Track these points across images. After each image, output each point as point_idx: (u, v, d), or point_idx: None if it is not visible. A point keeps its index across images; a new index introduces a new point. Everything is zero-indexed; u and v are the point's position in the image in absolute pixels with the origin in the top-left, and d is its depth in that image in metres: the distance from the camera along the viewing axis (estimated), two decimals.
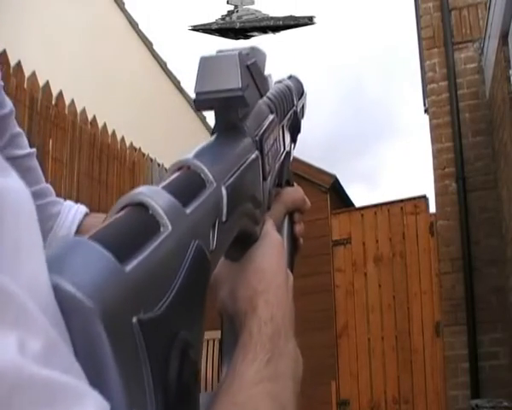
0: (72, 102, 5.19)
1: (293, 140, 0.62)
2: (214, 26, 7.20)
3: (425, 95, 5.91)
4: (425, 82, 5.76)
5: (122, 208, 0.31)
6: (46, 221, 0.69)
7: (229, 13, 7.28)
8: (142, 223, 0.30)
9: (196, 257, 0.32)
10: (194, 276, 0.32)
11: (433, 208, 5.33)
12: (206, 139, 0.47)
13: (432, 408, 5.01)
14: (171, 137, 7.29)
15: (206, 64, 0.45)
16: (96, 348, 0.24)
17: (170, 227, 0.31)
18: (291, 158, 0.61)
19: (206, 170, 0.38)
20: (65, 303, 0.23)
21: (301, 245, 0.59)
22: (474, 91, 5.26)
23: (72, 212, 0.71)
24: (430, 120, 5.42)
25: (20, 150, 0.65)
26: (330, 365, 5.34)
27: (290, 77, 0.66)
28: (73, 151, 5.17)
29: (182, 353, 0.29)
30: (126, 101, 6.47)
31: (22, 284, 0.21)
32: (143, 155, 6.39)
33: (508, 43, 4.23)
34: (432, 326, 5.11)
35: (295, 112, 0.63)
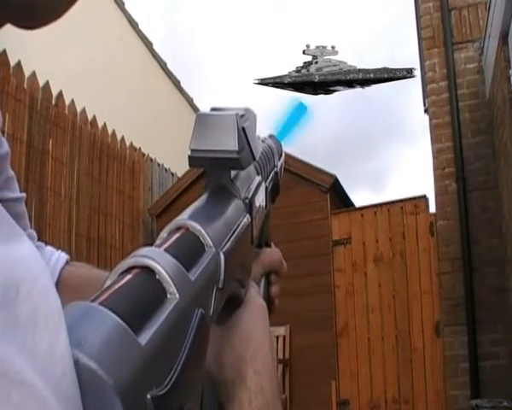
0: (72, 102, 5.19)
1: (273, 201, 0.62)
2: (287, 80, 6.48)
3: (425, 95, 5.91)
4: (425, 82, 5.76)
5: (127, 270, 0.30)
6: None
7: (306, 64, 6.50)
8: (150, 289, 0.29)
9: (199, 326, 0.32)
10: (197, 346, 0.31)
11: (433, 208, 5.33)
12: None
13: (432, 408, 5.01)
14: (171, 137, 7.29)
15: (203, 121, 0.44)
16: None
17: (177, 295, 0.30)
18: (269, 219, 0.61)
19: (205, 233, 0.38)
20: (83, 377, 0.23)
21: (276, 306, 0.59)
22: (474, 91, 5.26)
23: (54, 258, 0.72)
24: (430, 119, 5.42)
25: (13, 194, 0.66)
26: (330, 365, 5.33)
27: (271, 136, 0.67)
28: (73, 151, 5.17)
29: None
30: (126, 101, 6.47)
31: (35, 359, 0.20)
32: (143, 155, 6.39)
33: (508, 43, 4.23)
34: (432, 326, 5.11)
35: (276, 173, 0.63)
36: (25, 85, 4.56)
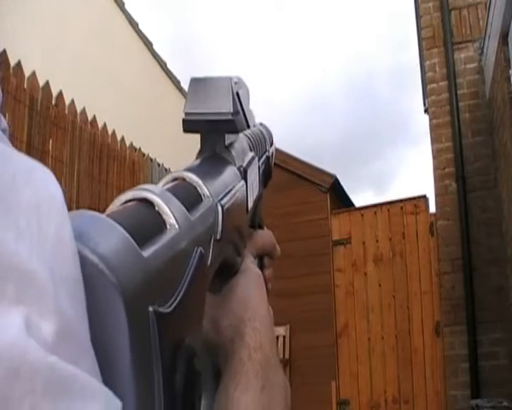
0: (72, 102, 5.19)
1: (264, 185, 0.61)
2: None
3: (425, 95, 5.90)
4: (425, 82, 5.75)
5: (126, 202, 0.30)
6: None
7: None
8: (150, 218, 0.29)
9: (199, 264, 0.31)
10: (197, 283, 0.31)
11: (433, 208, 5.33)
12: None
13: (432, 408, 5.01)
14: (171, 137, 7.29)
15: (197, 85, 0.44)
16: (113, 325, 0.22)
17: (177, 227, 0.30)
18: (261, 202, 0.61)
19: (203, 184, 0.38)
20: (85, 270, 0.22)
21: (270, 290, 0.57)
22: (474, 91, 5.26)
23: None
24: (430, 119, 5.42)
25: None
26: (330, 365, 5.33)
27: (261, 124, 0.66)
28: (73, 151, 5.16)
29: (188, 361, 0.28)
30: (126, 101, 6.47)
31: (44, 243, 0.20)
32: (143, 155, 6.39)
33: (508, 43, 4.23)
34: (432, 326, 5.11)
35: (268, 157, 0.63)
36: (25, 85, 4.56)
